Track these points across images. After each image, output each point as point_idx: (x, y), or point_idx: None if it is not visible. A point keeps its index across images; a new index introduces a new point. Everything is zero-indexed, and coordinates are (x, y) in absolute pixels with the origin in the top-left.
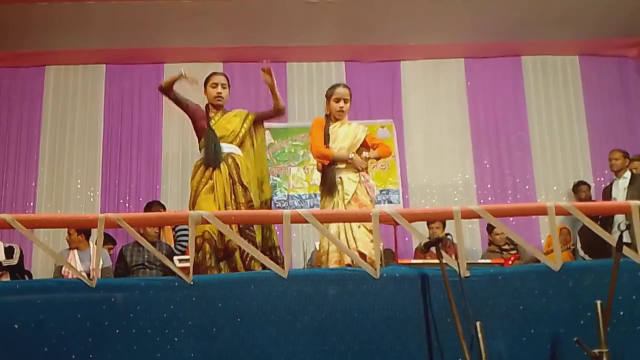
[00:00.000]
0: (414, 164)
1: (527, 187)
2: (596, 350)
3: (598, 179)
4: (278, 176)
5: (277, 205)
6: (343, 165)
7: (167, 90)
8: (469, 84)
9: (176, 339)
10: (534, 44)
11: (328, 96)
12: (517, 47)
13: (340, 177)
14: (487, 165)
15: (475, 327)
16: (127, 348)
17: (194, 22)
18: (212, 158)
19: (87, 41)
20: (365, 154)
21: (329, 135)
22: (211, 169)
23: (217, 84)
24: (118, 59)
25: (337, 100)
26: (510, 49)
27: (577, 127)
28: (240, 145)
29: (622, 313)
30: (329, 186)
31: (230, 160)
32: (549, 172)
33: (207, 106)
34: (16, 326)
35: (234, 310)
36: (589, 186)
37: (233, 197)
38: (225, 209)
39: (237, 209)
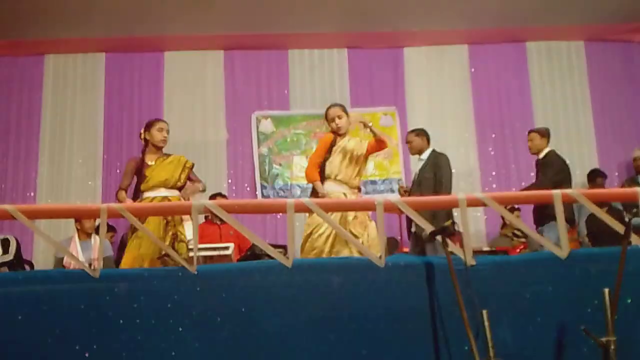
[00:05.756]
0: None
1: (531, 174)
2: (603, 339)
3: (603, 166)
4: (280, 165)
5: (279, 194)
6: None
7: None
8: (473, 71)
9: (180, 329)
10: (538, 30)
11: (326, 117)
12: (521, 32)
13: (344, 194)
14: (492, 153)
15: (481, 316)
16: (131, 338)
17: (195, 10)
18: None
19: (87, 29)
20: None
21: (332, 149)
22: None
23: (162, 129)
24: (118, 48)
25: (332, 120)
26: (514, 34)
27: (582, 114)
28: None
29: (629, 301)
30: None
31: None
32: None
33: (145, 148)
34: (19, 317)
35: (239, 300)
36: (605, 177)
37: (165, 232)
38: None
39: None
